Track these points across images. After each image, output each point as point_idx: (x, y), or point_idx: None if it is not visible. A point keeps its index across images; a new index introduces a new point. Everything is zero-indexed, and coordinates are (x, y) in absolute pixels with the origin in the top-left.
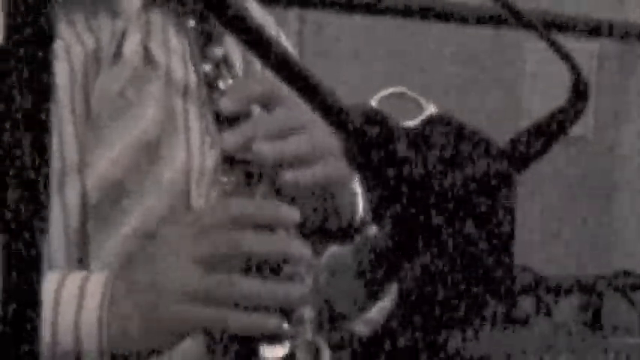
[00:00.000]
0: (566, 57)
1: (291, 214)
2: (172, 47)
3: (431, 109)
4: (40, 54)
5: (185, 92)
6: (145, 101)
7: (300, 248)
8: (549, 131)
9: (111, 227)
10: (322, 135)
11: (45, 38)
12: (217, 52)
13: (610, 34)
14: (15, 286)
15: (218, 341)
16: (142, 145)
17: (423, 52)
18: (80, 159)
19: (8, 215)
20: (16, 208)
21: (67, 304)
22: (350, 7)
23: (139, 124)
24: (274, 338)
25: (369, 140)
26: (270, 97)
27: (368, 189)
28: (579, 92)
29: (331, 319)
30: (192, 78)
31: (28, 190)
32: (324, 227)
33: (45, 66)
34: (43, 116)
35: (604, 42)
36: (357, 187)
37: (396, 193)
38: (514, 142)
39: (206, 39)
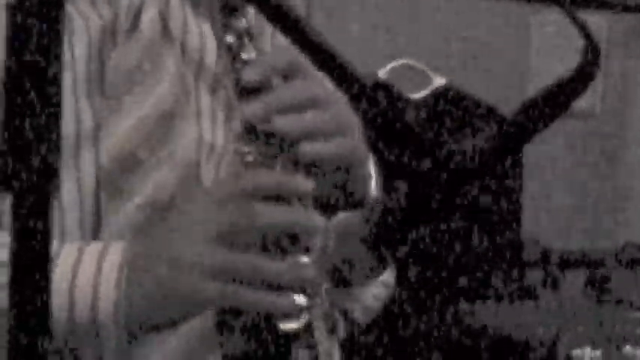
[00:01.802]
0: (579, 25)
1: (306, 184)
2: (189, 22)
3: (438, 81)
4: (51, 13)
5: (199, 68)
6: (160, 74)
7: (316, 221)
8: (557, 100)
9: (124, 197)
10: (343, 111)
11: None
12: (240, 23)
13: (619, 8)
14: (25, 250)
15: (233, 314)
16: (157, 117)
17: (428, 25)
18: (95, 129)
19: (18, 178)
20: (26, 169)
21: (84, 277)
22: None
23: (153, 97)
24: (290, 314)
25: (380, 112)
26: (292, 69)
27: (380, 162)
28: (591, 59)
29: (338, 285)
30: (209, 54)
31: (38, 151)
32: (336, 203)
33: (56, 24)
34: (53, 76)
35: (612, 17)
36: (372, 168)
37: (405, 164)
38: (521, 111)
39: (229, 10)
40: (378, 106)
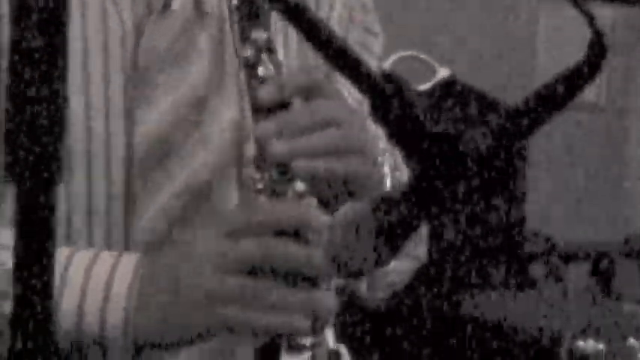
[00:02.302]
0: (586, 13)
1: (321, 220)
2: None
3: (444, 73)
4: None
5: (235, 46)
6: (193, 56)
7: (329, 299)
8: (562, 91)
9: (158, 184)
10: (356, 130)
11: None
12: (261, 35)
13: (625, 1)
14: (28, 242)
15: (238, 341)
16: (190, 101)
17: (436, 15)
18: (126, 111)
19: (21, 166)
20: (29, 157)
21: (95, 287)
22: None
23: (187, 80)
24: (295, 347)
25: (388, 102)
26: (311, 89)
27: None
28: (597, 50)
29: (345, 276)
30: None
31: (41, 139)
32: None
33: (61, 13)
34: (57, 60)
35: (617, 10)
36: (387, 166)
37: (413, 154)
38: (526, 102)
39: (250, 20)
40: (388, 98)
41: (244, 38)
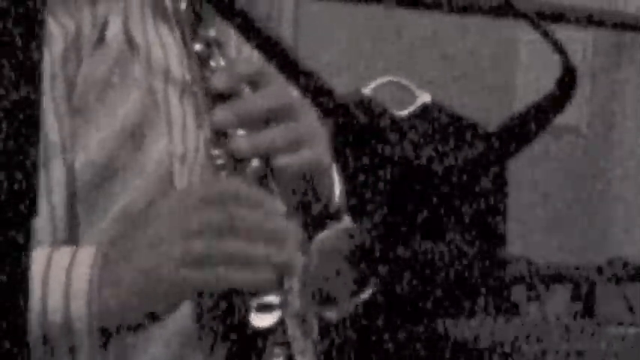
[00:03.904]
0: (555, 44)
1: (277, 207)
2: (150, 30)
3: (424, 99)
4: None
5: (166, 75)
6: (129, 86)
7: (293, 228)
8: (537, 118)
9: (100, 211)
10: (309, 119)
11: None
12: (208, 32)
13: (605, 24)
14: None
15: (208, 310)
16: (128, 129)
17: (415, 41)
18: (62, 143)
19: None
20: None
21: (56, 274)
22: None
23: (124, 109)
24: (264, 308)
25: (359, 127)
26: (260, 77)
27: (356, 176)
28: (567, 80)
29: (322, 304)
30: (174, 62)
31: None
32: (301, 209)
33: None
34: (32, 93)
35: (599, 32)
36: (335, 175)
37: (386, 181)
38: (504, 128)
39: (197, 19)
40: (357, 121)
41: (194, 36)
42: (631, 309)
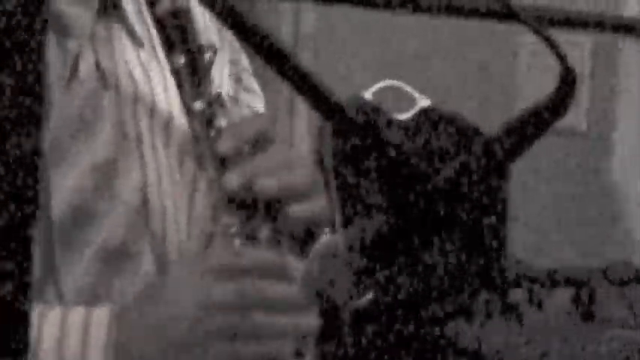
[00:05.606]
0: (554, 48)
1: (293, 270)
2: (120, 63)
3: (424, 103)
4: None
5: (135, 109)
6: (101, 121)
7: (310, 320)
8: (537, 122)
9: (78, 249)
10: (309, 167)
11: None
12: (210, 89)
13: (604, 28)
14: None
15: None
16: (102, 165)
17: (414, 45)
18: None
19: None
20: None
21: (70, 347)
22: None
23: (97, 145)
24: None
25: (360, 131)
26: (263, 136)
27: (355, 180)
28: (567, 84)
29: (327, 309)
30: (144, 93)
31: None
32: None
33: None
34: (35, 108)
35: (599, 35)
36: (334, 194)
37: (388, 184)
38: (504, 131)
39: (196, 77)
40: (357, 125)
41: (194, 94)
42: (632, 312)
